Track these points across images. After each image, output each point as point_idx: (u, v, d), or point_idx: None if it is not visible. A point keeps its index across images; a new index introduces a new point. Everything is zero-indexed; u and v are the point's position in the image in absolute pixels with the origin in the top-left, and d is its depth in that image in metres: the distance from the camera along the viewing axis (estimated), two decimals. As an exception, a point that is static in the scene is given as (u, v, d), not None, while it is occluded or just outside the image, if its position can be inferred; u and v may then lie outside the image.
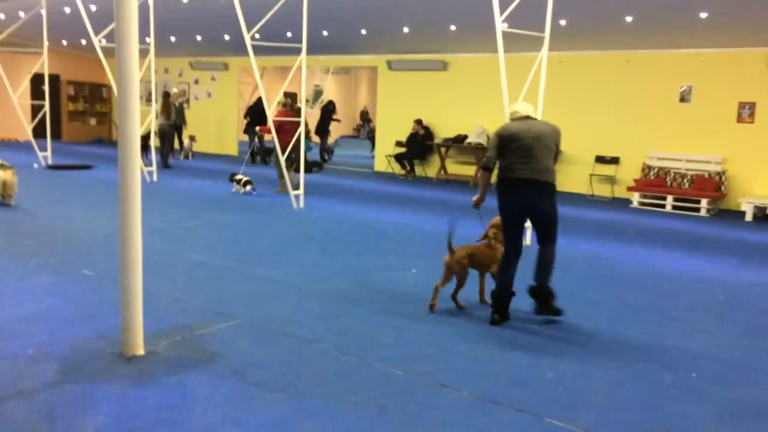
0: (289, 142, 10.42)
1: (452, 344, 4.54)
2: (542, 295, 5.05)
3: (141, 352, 4.09)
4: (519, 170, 4.92)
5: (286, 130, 10.91)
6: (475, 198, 5.43)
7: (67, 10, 13.73)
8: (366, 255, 7.14)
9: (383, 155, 16.11)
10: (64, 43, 19.17)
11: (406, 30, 13.35)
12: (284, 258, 6.83)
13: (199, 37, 16.71)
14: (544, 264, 5.03)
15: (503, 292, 5.00)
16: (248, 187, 11.23)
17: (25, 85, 15.18)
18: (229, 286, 5.73)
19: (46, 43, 13.86)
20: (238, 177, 11.46)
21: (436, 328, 4.85)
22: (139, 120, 3.99)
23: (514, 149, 4.94)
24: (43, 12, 13.44)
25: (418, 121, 15.05)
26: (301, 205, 10.06)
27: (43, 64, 13.84)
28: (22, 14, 14.48)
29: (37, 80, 16.29)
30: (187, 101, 19.77)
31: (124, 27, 3.85)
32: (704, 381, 4.09)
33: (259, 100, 10.56)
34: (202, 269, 6.22)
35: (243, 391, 3.67)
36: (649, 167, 12.36)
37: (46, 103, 14.18)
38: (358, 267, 6.59)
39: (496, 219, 5.30)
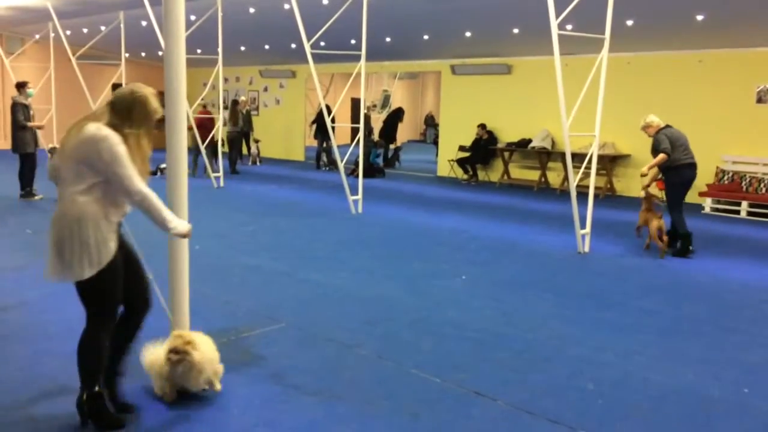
0: (207, 136, 13.41)
1: (492, 352, 4.50)
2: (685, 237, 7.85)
3: (187, 353, 4.25)
4: (689, 158, 7.70)
5: (205, 127, 13.58)
6: (647, 169, 7.99)
7: (144, 23, 14.38)
8: (417, 261, 7.15)
9: (446, 160, 16.07)
10: (143, 54, 20.07)
11: (468, 34, 13.29)
12: (336, 263, 6.93)
13: (267, 46, 17.18)
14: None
15: (684, 231, 7.75)
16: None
17: (105, 95, 15.97)
18: (278, 289, 5.87)
19: (124, 54, 14.59)
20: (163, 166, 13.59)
21: (479, 335, 4.82)
22: (186, 129, 4.15)
23: (679, 146, 7.66)
24: (122, 26, 14.15)
25: (482, 126, 14.93)
26: (360, 210, 10.17)
27: (122, 75, 14.57)
28: (102, 28, 15.29)
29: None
30: (256, 108, 20.32)
31: (173, 41, 4.01)
32: (757, 397, 3.90)
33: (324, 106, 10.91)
34: (255, 273, 6.39)
35: (280, 393, 3.76)
36: (723, 171, 11.81)
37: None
38: (408, 273, 6.61)
39: (646, 196, 8.01)
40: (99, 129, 3.14)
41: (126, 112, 3.20)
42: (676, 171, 7.69)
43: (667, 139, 7.62)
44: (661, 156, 7.62)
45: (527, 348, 4.62)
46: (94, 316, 3.34)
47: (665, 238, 7.70)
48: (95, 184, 3.15)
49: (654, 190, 8.68)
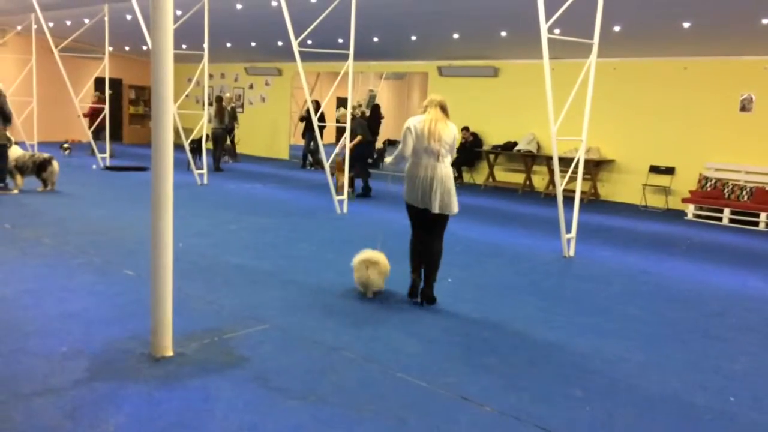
0: (96, 123, 15.57)
1: (480, 357, 4.46)
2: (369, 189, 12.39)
3: (170, 353, 4.17)
4: (371, 137, 12.36)
5: (95, 115, 15.76)
6: (352, 145, 11.08)
7: (129, 17, 14.20)
8: (403, 263, 7.03)
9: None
10: (127, 48, 19.84)
11: (456, 36, 13.28)
12: (320, 263, 6.87)
13: (253, 43, 17.05)
14: None
15: (368, 185, 12.25)
16: (68, 152, 16.23)
17: (87, 88, 15.76)
18: (263, 290, 5.79)
19: (108, 48, 14.38)
20: (66, 146, 16.52)
21: (466, 340, 4.79)
22: (172, 126, 4.07)
23: (370, 131, 12.37)
24: (106, 19, 13.94)
25: (466, 128, 14.92)
26: (345, 210, 10.10)
27: (105, 68, 14.36)
28: (86, 21, 15.07)
29: (100, 84, 16.88)
30: (241, 106, 20.17)
31: (161, 35, 3.93)
32: (742, 406, 3.90)
33: (313, 103, 10.77)
34: (239, 272, 6.31)
35: (264, 396, 3.69)
36: (706, 178, 11.91)
37: (106, 107, 14.69)
38: (394, 275, 6.53)
39: (338, 162, 11.31)
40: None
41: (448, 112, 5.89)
42: (367, 146, 12.23)
43: (360, 126, 11.74)
44: (360, 137, 11.72)
45: (514, 353, 4.59)
46: (443, 233, 5.70)
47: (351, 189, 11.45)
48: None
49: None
